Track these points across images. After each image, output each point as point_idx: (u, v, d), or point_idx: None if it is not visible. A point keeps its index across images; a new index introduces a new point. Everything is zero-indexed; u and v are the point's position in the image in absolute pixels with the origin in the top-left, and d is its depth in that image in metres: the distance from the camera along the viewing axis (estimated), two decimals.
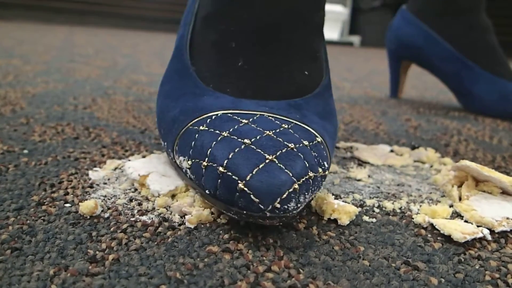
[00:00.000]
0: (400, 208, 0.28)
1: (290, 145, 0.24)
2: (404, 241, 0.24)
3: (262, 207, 0.21)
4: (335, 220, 0.26)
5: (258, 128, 0.26)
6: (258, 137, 0.25)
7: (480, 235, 0.24)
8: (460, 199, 0.29)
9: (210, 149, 0.25)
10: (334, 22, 4.13)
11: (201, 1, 0.34)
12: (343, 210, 0.25)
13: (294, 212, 0.22)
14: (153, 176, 0.29)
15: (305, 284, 0.19)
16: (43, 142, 0.37)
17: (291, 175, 0.23)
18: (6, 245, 0.21)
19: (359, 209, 0.28)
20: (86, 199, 0.26)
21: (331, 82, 0.97)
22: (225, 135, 0.25)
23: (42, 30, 2.41)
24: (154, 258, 0.21)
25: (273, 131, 0.25)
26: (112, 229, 0.23)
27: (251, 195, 0.22)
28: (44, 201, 0.26)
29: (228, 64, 0.30)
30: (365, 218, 0.26)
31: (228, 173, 0.23)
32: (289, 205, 0.22)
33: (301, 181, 0.23)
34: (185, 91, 0.31)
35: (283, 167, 0.23)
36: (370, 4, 4.11)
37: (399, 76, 0.78)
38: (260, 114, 0.27)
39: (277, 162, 0.23)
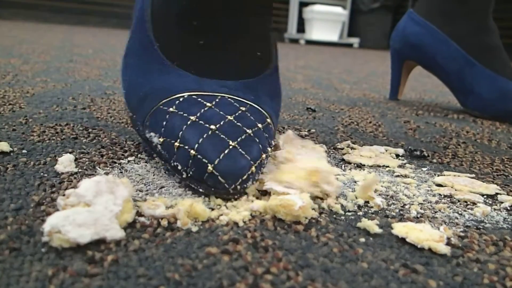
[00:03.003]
0: (398, 209, 0.28)
1: (248, 131, 0.29)
2: (402, 243, 0.24)
3: (227, 186, 0.26)
4: (334, 222, 0.26)
5: (221, 113, 0.30)
6: (222, 123, 0.29)
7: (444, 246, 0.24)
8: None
9: (181, 132, 0.29)
10: (334, 24, 4.13)
11: None
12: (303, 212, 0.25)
13: (250, 186, 0.28)
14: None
15: (304, 286, 0.19)
16: (42, 142, 0.37)
17: (249, 159, 0.27)
18: (4, 245, 0.21)
19: (359, 211, 0.28)
20: None
21: (331, 84, 0.97)
22: (194, 119, 0.29)
23: (41, 30, 2.41)
24: (153, 259, 0.21)
25: (233, 115, 0.30)
26: None
27: (219, 177, 0.26)
28: (43, 201, 0.26)
29: (191, 42, 0.33)
30: (364, 220, 0.26)
31: (198, 156, 0.27)
32: (247, 183, 0.27)
33: (257, 163, 0.28)
34: (151, 67, 0.33)
35: (244, 152, 0.28)
36: (369, 5, 4.11)
37: (401, 77, 0.78)
38: (221, 96, 0.31)
39: (238, 148, 0.28)
